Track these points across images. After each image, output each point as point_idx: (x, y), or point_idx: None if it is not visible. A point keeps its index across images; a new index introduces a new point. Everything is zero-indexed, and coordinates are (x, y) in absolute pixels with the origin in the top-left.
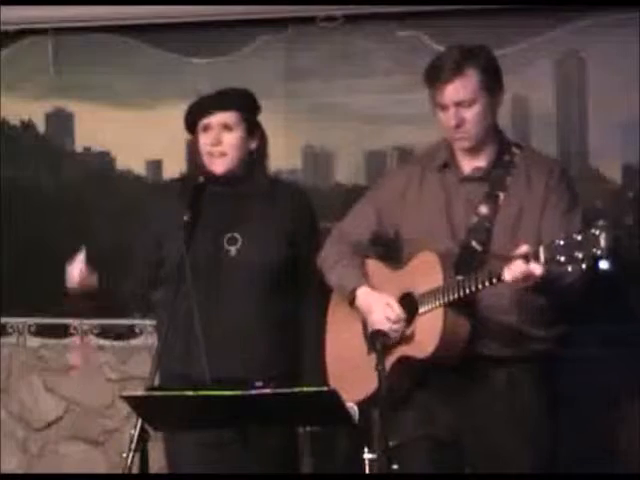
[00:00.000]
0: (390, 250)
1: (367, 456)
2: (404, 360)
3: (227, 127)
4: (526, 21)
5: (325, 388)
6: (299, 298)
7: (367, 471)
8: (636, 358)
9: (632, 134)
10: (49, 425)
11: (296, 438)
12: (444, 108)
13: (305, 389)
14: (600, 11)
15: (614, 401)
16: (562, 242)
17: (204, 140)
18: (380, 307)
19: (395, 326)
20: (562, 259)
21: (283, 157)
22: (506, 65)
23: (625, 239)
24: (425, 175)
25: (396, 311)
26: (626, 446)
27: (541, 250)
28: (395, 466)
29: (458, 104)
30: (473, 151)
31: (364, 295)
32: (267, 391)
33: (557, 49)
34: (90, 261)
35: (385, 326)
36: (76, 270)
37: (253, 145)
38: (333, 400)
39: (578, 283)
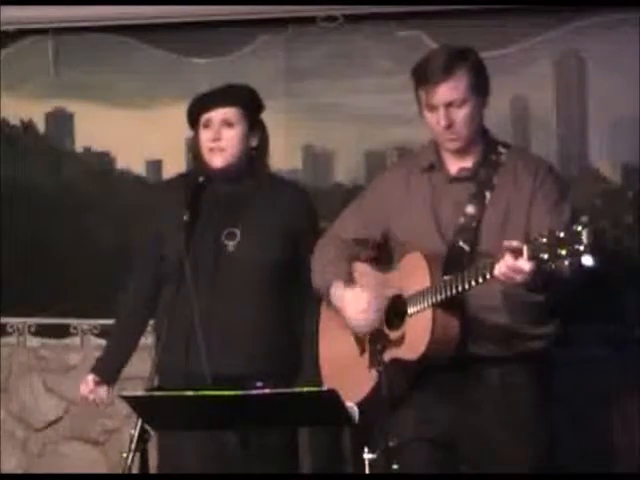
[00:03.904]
0: (380, 252)
1: (367, 456)
2: (396, 362)
3: (228, 123)
4: (526, 21)
5: (325, 388)
6: (300, 294)
7: (367, 471)
8: (630, 357)
9: (632, 134)
10: (49, 425)
11: (296, 438)
12: (433, 109)
13: (305, 389)
14: (600, 11)
15: (607, 400)
16: (545, 239)
17: (205, 136)
18: (351, 302)
19: (366, 316)
20: (545, 256)
21: (283, 157)
22: (506, 65)
23: (625, 239)
24: (413, 177)
25: (364, 300)
26: (622, 445)
27: (525, 248)
28: (395, 466)
29: (448, 105)
30: (460, 152)
31: (337, 291)
32: (267, 391)
33: (557, 49)
34: (100, 373)
35: (357, 319)
36: (84, 385)
37: (254, 142)
38: (333, 400)
39: (567, 281)
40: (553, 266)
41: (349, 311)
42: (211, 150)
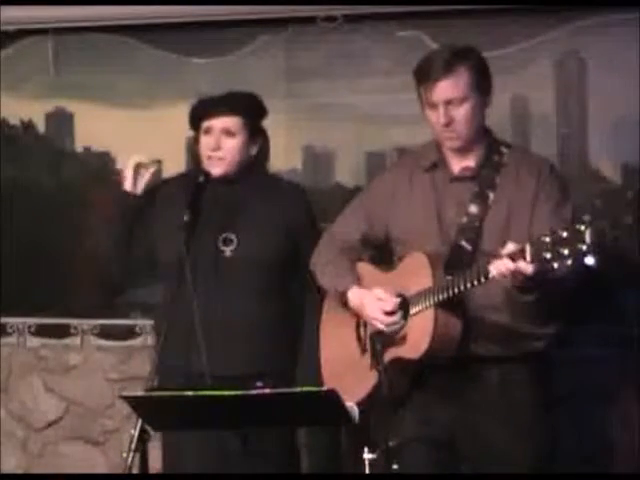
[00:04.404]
0: (381, 251)
1: (367, 456)
2: (398, 361)
3: (228, 132)
4: (526, 21)
5: (325, 388)
6: (299, 296)
7: (367, 471)
8: (630, 357)
9: (632, 134)
10: (49, 425)
11: (295, 437)
12: (434, 107)
13: (305, 389)
14: (600, 11)
15: (607, 400)
16: (548, 239)
17: (205, 142)
18: (373, 302)
19: (392, 318)
20: (548, 256)
21: (283, 157)
22: (506, 65)
23: (625, 239)
24: (415, 175)
25: (390, 302)
26: (622, 445)
27: (527, 247)
28: (395, 466)
29: (448, 103)
30: (462, 151)
31: (355, 295)
32: (267, 391)
33: (557, 49)
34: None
35: (382, 320)
36: (142, 181)
37: (254, 150)
38: (333, 400)
39: (568, 280)
40: (556, 265)
41: (373, 314)
42: (209, 158)
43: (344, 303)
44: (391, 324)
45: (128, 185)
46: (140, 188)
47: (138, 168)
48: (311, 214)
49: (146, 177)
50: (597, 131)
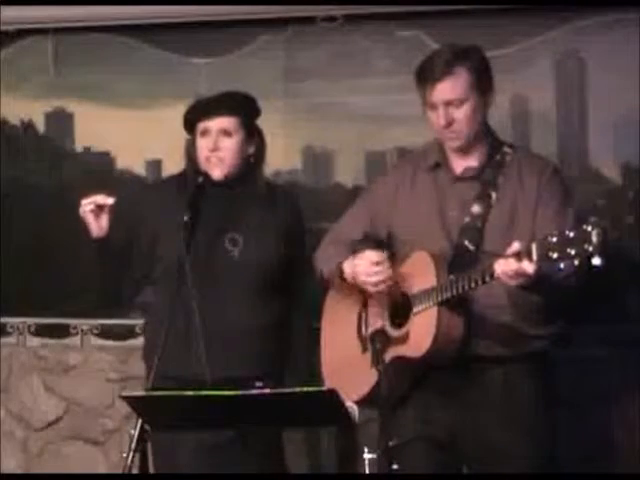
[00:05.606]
0: (384, 251)
1: (367, 456)
2: (399, 360)
3: (226, 133)
4: (526, 21)
5: (325, 388)
6: (298, 297)
7: (367, 471)
8: (630, 357)
9: (632, 134)
10: (49, 425)
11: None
12: (434, 107)
13: (305, 389)
14: (600, 11)
15: (611, 400)
16: (555, 239)
17: (202, 144)
18: (363, 259)
19: (380, 267)
20: (555, 255)
21: (282, 157)
22: (506, 65)
23: (626, 239)
24: (417, 175)
25: (378, 254)
26: (622, 445)
27: (534, 247)
28: (395, 466)
29: (448, 103)
30: (464, 151)
31: (350, 264)
32: (267, 391)
33: (557, 49)
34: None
35: (373, 273)
36: (104, 220)
37: (251, 150)
38: (333, 400)
39: (571, 280)
40: (562, 265)
41: (363, 270)
42: (208, 159)
43: (341, 277)
44: (382, 273)
45: (94, 232)
46: (105, 230)
47: (92, 212)
48: (302, 216)
49: (106, 215)
50: (597, 131)
